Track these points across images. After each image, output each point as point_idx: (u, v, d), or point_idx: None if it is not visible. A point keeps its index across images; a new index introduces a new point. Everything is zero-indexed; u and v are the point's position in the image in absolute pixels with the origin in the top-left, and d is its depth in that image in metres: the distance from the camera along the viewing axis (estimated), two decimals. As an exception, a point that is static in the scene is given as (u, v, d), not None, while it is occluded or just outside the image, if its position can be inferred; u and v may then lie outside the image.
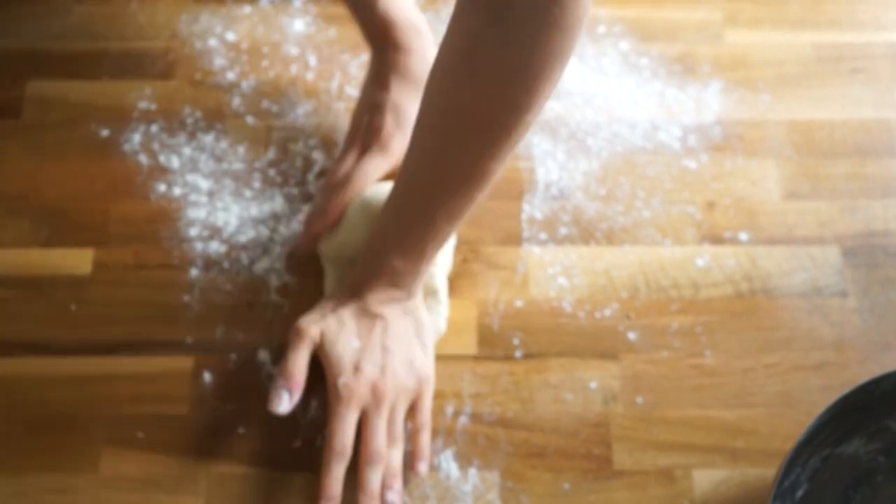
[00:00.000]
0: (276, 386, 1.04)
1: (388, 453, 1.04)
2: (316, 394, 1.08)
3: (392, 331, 1.07)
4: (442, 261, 1.14)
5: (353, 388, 1.04)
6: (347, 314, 1.07)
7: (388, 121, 1.15)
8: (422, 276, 1.07)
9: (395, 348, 1.06)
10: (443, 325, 1.12)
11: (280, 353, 1.10)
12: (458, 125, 0.95)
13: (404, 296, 1.07)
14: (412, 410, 1.07)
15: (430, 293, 1.12)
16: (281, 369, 1.05)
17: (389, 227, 1.05)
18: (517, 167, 1.22)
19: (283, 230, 1.17)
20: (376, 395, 1.04)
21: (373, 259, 1.07)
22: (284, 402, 1.03)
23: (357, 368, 1.05)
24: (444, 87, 0.95)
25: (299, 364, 1.05)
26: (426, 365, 1.08)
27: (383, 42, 1.16)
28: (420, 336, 1.09)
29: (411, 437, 1.06)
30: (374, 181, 1.15)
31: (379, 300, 1.06)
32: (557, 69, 0.90)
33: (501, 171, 0.99)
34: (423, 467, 1.05)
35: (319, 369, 1.06)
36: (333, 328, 1.06)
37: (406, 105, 1.15)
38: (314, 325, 1.06)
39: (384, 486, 1.03)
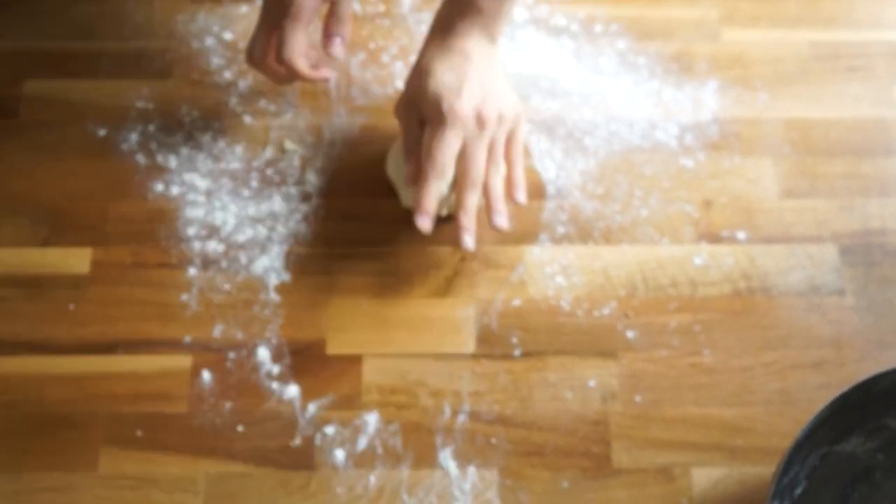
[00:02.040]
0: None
1: (491, 178, 1.08)
2: (315, 395, 1.08)
3: (485, 68, 1.08)
4: None
5: (458, 112, 1.05)
6: (435, 60, 1.08)
7: None
8: (504, 21, 1.09)
9: (490, 81, 1.08)
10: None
11: (280, 354, 1.10)
12: None
13: (487, 38, 1.09)
14: (507, 145, 1.10)
15: None
16: (403, 148, 1.11)
17: None
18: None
19: (282, 229, 1.17)
20: (480, 119, 1.06)
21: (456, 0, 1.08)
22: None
23: (460, 94, 1.06)
24: None
25: (412, 137, 1.10)
26: (518, 102, 1.11)
27: None
28: (505, 77, 1.11)
29: (507, 169, 1.10)
30: (300, 51, 1.13)
31: (464, 40, 1.07)
32: None
33: None
34: (521, 196, 1.11)
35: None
36: (432, 60, 1.08)
37: None
38: (402, 95, 1.09)
39: (492, 211, 1.09)
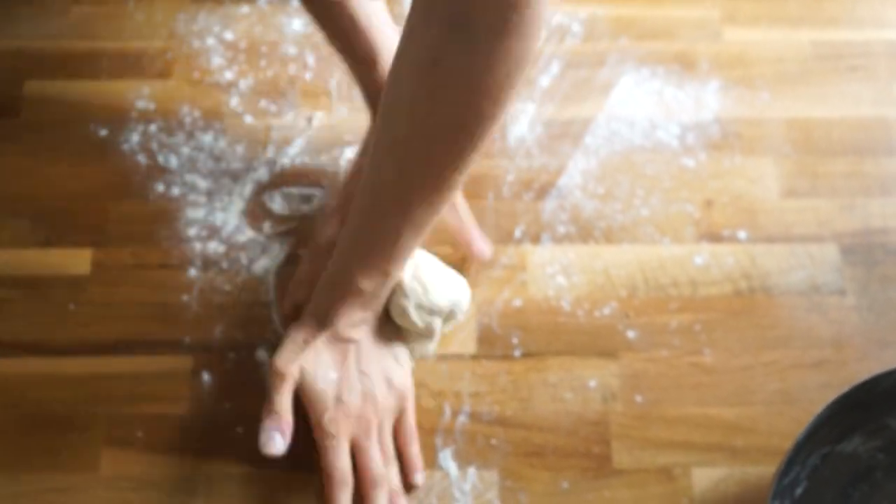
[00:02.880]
0: (266, 428, 1.02)
1: (389, 472, 1.05)
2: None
3: (366, 353, 1.06)
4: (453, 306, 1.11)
5: (340, 422, 1.03)
6: (321, 345, 1.05)
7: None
8: (387, 293, 1.06)
9: (372, 371, 1.06)
10: (431, 351, 1.12)
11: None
12: (422, 138, 0.94)
13: (372, 315, 1.06)
14: (397, 427, 1.07)
15: (427, 334, 1.10)
16: (267, 411, 1.03)
17: (353, 249, 1.03)
18: (516, 166, 1.22)
19: (282, 230, 1.17)
20: (363, 422, 1.04)
21: (338, 282, 1.04)
22: (278, 444, 1.02)
23: (339, 400, 1.04)
24: (406, 100, 0.93)
25: (285, 404, 1.03)
26: (404, 379, 1.08)
27: None
28: (393, 351, 1.08)
29: (401, 451, 1.06)
30: None
31: (348, 324, 1.05)
32: (519, 76, 0.89)
33: (464, 179, 0.98)
34: (419, 477, 1.06)
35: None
36: (311, 363, 1.05)
37: None
38: (292, 364, 1.04)
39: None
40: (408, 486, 1.06)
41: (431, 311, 1.08)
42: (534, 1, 0.85)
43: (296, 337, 1.05)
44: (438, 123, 0.93)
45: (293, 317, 1.09)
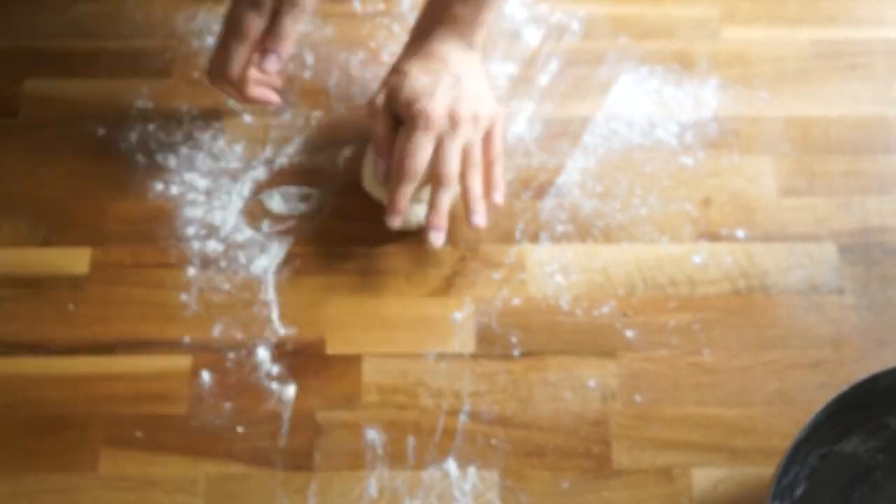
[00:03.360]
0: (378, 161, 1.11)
1: (467, 178, 1.08)
2: (315, 395, 1.08)
3: (460, 68, 1.09)
4: None
5: (430, 112, 1.06)
6: (412, 64, 1.09)
7: (243, 4, 1.11)
8: (483, 28, 1.09)
9: (466, 83, 1.08)
10: None
11: (280, 353, 1.10)
12: None
13: (465, 45, 1.09)
14: (484, 144, 1.10)
15: None
16: (376, 147, 1.11)
17: None
18: (515, 165, 1.22)
19: (281, 228, 1.17)
20: (453, 119, 1.07)
21: (434, 7, 1.09)
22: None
23: (432, 95, 1.07)
24: None
25: (384, 133, 1.09)
26: (495, 103, 1.11)
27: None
28: (484, 79, 1.11)
29: (485, 170, 1.10)
30: (242, 71, 1.13)
31: (442, 45, 1.08)
32: None
33: None
34: (498, 196, 1.11)
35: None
36: (398, 79, 1.08)
37: None
38: (379, 94, 1.09)
39: (469, 210, 1.11)
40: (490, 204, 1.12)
41: None
42: None
43: (392, 70, 1.11)
44: None
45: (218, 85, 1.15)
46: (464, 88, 1.09)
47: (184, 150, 1.22)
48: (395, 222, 1.10)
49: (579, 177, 1.22)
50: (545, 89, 1.27)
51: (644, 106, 1.26)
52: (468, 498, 1.04)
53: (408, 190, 1.08)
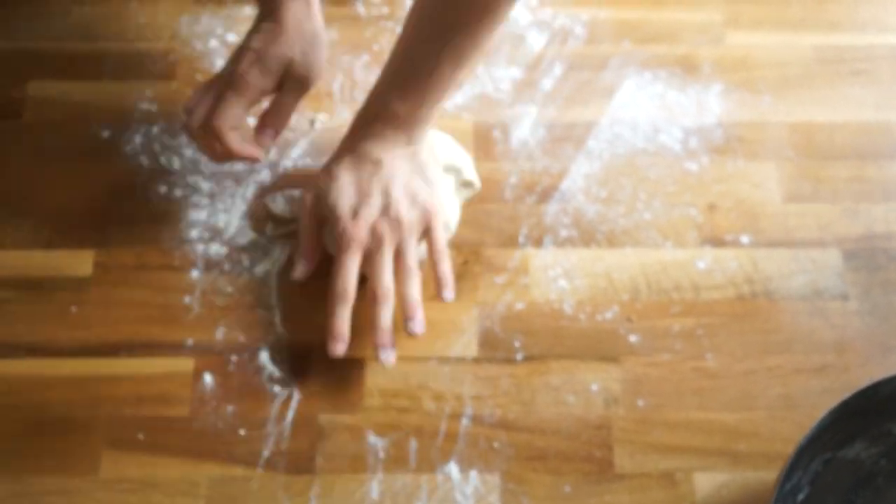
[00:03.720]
0: (296, 258, 1.10)
1: (403, 287, 1.06)
2: (317, 398, 1.08)
3: (390, 172, 1.08)
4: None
5: (352, 233, 1.05)
6: (343, 167, 1.08)
7: (248, 61, 1.12)
8: (423, 126, 1.08)
9: (395, 188, 1.07)
10: (477, 185, 1.17)
11: (282, 357, 1.10)
12: None
13: (404, 140, 1.08)
14: (426, 243, 1.09)
15: (451, 170, 1.14)
16: (299, 242, 1.10)
17: (392, 73, 1.07)
18: (518, 169, 1.22)
19: (284, 231, 1.17)
20: (376, 236, 1.06)
21: (373, 103, 1.07)
22: (299, 269, 1.08)
23: (355, 214, 1.06)
24: None
25: (307, 232, 1.09)
26: (430, 197, 1.09)
27: None
28: (423, 174, 1.09)
29: (431, 268, 1.09)
30: (234, 124, 1.12)
31: (376, 144, 1.07)
32: None
33: (510, 11, 1.01)
34: (448, 294, 1.09)
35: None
36: (327, 183, 1.08)
37: (273, 50, 1.12)
38: (308, 193, 1.09)
39: (405, 317, 1.06)
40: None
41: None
42: None
43: (323, 169, 1.10)
44: None
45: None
46: (391, 197, 1.07)
47: (188, 152, 1.22)
48: (338, 350, 1.06)
49: (583, 181, 1.21)
50: (549, 94, 1.27)
51: (648, 111, 1.26)
52: (470, 501, 1.04)
53: (344, 313, 1.06)
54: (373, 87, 1.09)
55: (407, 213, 1.07)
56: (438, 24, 1.02)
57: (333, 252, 1.10)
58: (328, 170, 1.09)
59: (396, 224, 1.06)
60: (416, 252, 1.08)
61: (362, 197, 1.07)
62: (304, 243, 1.10)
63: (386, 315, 1.06)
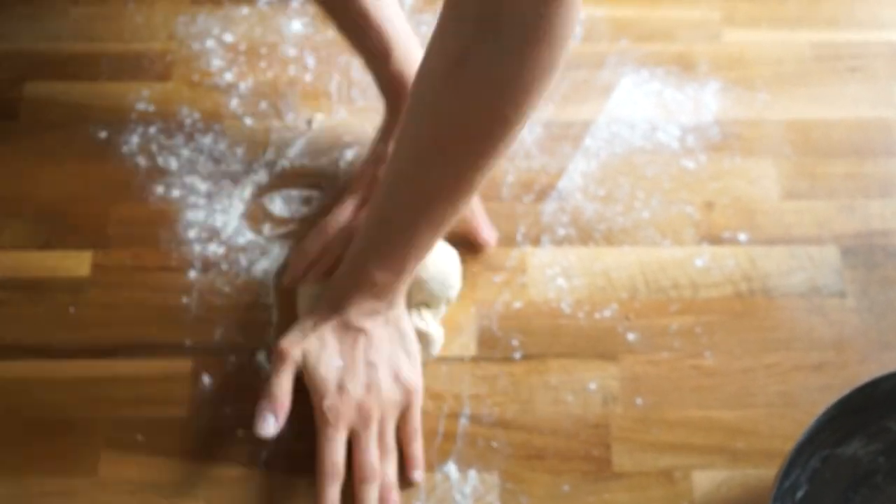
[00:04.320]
0: (261, 409, 1.02)
1: (384, 467, 1.04)
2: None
3: (375, 344, 1.06)
4: (438, 299, 1.12)
5: (339, 410, 1.03)
6: (328, 331, 1.05)
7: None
8: (403, 288, 1.06)
9: (380, 362, 1.05)
10: (435, 352, 1.12)
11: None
12: (445, 137, 0.94)
13: (385, 307, 1.06)
14: (402, 421, 1.06)
15: (422, 336, 1.10)
16: (265, 392, 1.03)
17: (370, 240, 1.04)
18: (515, 168, 1.22)
19: (282, 231, 1.17)
20: (363, 413, 1.03)
21: (353, 272, 1.05)
22: (270, 426, 1.02)
23: (342, 388, 1.04)
24: (430, 100, 0.94)
25: (283, 386, 1.03)
26: (412, 375, 1.07)
27: (397, 98, 1.14)
28: (405, 346, 1.08)
29: (403, 447, 1.06)
30: None
31: (360, 313, 1.05)
32: (546, 82, 0.90)
33: (485, 180, 0.98)
34: (418, 475, 1.06)
35: (303, 390, 1.05)
36: (315, 348, 1.05)
37: None
38: (296, 347, 1.04)
39: (381, 501, 1.03)
40: (406, 483, 1.05)
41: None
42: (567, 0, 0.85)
43: (305, 322, 1.06)
44: (460, 123, 0.93)
45: (291, 283, 1.12)
46: (376, 374, 1.05)
47: (185, 153, 1.22)
48: None
49: (581, 180, 1.21)
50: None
51: (645, 109, 1.26)
52: (469, 501, 1.04)
53: (335, 492, 1.02)
54: (351, 248, 1.06)
55: (390, 391, 1.05)
56: (415, 191, 0.99)
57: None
58: (317, 331, 1.05)
59: (380, 403, 1.04)
60: (394, 431, 1.06)
61: (348, 369, 1.04)
62: (275, 398, 1.03)
63: (374, 494, 1.03)
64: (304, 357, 1.04)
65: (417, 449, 1.06)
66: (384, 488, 1.04)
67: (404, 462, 1.06)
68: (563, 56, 0.88)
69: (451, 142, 0.94)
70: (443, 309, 1.12)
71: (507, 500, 1.04)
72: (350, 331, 1.05)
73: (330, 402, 1.03)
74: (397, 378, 1.06)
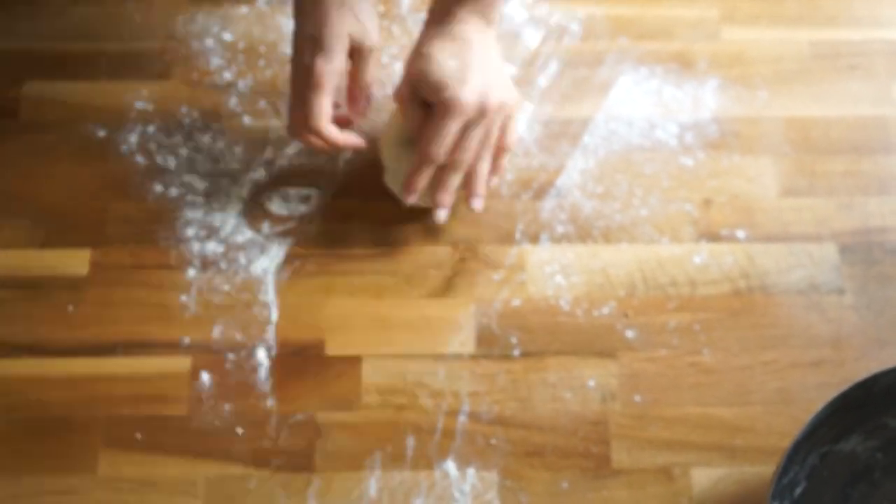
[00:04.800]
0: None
1: (478, 164, 1.10)
2: (315, 396, 1.08)
3: (481, 51, 1.08)
4: None
5: (462, 101, 1.05)
6: (436, 46, 1.07)
7: (308, 52, 1.11)
8: (500, 4, 1.09)
9: (492, 68, 1.08)
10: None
11: (279, 355, 1.10)
12: None
13: (483, 22, 1.08)
14: (500, 129, 1.11)
15: None
16: (416, 137, 1.10)
17: None
18: (515, 166, 1.22)
19: (281, 230, 1.17)
20: (483, 108, 1.06)
21: None
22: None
23: (463, 81, 1.05)
24: None
25: (419, 122, 1.09)
26: (512, 88, 1.11)
27: None
28: (501, 61, 1.11)
29: (494, 154, 1.12)
30: (327, 119, 1.12)
31: (463, 25, 1.07)
32: None
33: None
34: (495, 181, 1.15)
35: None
36: (431, 48, 1.07)
37: (325, 31, 1.11)
38: (403, 82, 1.09)
39: (471, 193, 1.12)
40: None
41: None
42: None
43: (415, 54, 1.10)
44: None
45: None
46: (490, 75, 1.08)
47: (183, 151, 1.22)
48: (410, 200, 1.12)
49: (579, 178, 1.22)
50: (545, 90, 1.27)
51: (644, 107, 1.26)
52: (468, 498, 1.04)
53: (428, 172, 1.09)
54: None
55: (506, 94, 1.09)
56: None
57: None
58: (419, 51, 1.08)
59: (498, 104, 1.07)
60: (496, 135, 1.11)
61: (466, 70, 1.06)
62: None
63: (456, 180, 1.10)
64: (417, 73, 1.07)
65: (502, 162, 1.15)
66: (477, 182, 1.11)
67: (492, 168, 1.13)
68: None
69: None
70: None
71: (506, 497, 1.05)
72: (456, 40, 1.07)
73: (452, 93, 1.05)
74: (508, 86, 1.10)
